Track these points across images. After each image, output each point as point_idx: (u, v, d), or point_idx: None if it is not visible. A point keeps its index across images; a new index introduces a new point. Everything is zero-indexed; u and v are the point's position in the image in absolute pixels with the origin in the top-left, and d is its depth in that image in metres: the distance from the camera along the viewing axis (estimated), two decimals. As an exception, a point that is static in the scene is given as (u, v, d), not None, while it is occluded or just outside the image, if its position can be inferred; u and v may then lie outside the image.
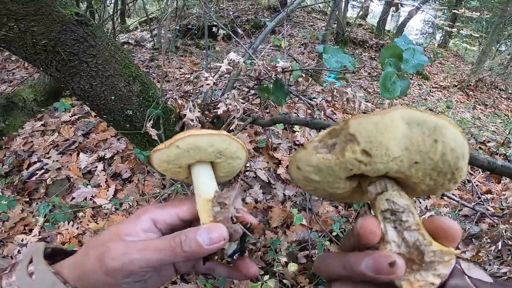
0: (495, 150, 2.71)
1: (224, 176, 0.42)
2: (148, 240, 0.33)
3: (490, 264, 1.39)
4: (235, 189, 0.37)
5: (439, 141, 0.26)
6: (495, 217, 1.50)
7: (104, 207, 1.59)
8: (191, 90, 2.25)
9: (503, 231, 1.32)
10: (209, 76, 1.14)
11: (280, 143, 1.96)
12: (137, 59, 3.36)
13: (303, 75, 1.09)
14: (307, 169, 0.29)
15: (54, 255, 0.35)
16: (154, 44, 3.55)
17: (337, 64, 0.90)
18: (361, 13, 7.15)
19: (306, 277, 1.44)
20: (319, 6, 7.69)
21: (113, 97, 1.34)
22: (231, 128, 1.21)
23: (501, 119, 5.42)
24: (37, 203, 1.62)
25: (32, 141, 2.03)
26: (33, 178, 1.75)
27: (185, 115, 1.29)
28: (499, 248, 1.35)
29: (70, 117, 2.33)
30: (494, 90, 5.71)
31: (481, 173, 2.41)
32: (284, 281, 1.40)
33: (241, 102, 1.22)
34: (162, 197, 1.61)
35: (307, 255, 1.51)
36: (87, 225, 1.50)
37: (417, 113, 0.25)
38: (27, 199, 1.65)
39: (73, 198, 1.65)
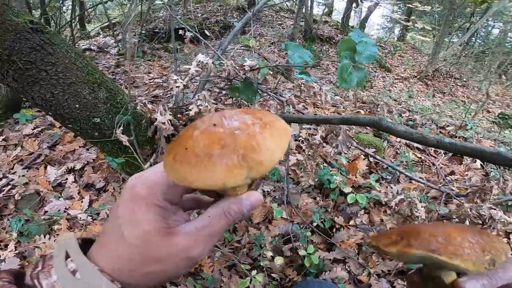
0: (453, 133, 2.94)
1: None
2: (209, 226, 0.33)
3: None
4: None
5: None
6: (461, 197, 1.62)
7: (80, 218, 1.52)
8: (162, 94, 2.21)
9: (468, 210, 1.41)
10: (178, 79, 1.13)
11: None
12: (102, 65, 3.21)
13: (271, 73, 1.12)
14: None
15: (83, 247, 0.34)
16: (119, 49, 3.41)
17: (300, 60, 0.93)
18: (326, 10, 7.39)
19: (293, 269, 1.47)
20: (287, 5, 7.85)
21: (77, 105, 1.29)
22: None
23: (457, 105, 5.87)
24: (8, 219, 1.53)
25: (-6, 157, 1.90)
26: (0, 195, 1.64)
27: (156, 119, 1.27)
28: (468, 227, 1.44)
29: (33, 129, 2.20)
30: (450, 79, 6.18)
31: (444, 155, 2.60)
32: (273, 275, 1.43)
33: (213, 103, 1.23)
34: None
35: (292, 248, 1.55)
36: (64, 237, 1.44)
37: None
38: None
39: (46, 211, 1.57)
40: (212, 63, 1.20)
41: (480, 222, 1.48)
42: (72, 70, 1.20)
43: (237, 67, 1.08)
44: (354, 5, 6.56)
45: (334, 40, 6.45)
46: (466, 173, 2.43)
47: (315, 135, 1.33)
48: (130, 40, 2.83)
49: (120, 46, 3.31)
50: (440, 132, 2.97)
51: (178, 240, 0.31)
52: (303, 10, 6.18)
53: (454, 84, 6.16)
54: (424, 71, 5.92)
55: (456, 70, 6.37)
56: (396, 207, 1.52)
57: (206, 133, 0.28)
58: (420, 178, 2.20)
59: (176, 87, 1.14)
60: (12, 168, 1.83)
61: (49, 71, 1.14)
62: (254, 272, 1.37)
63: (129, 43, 3.17)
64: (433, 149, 2.73)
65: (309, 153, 1.37)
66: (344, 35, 6.63)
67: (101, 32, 4.93)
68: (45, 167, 1.84)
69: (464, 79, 6.27)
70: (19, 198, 1.63)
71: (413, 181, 2.13)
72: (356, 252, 1.59)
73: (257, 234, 1.53)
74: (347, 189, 1.72)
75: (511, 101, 6.43)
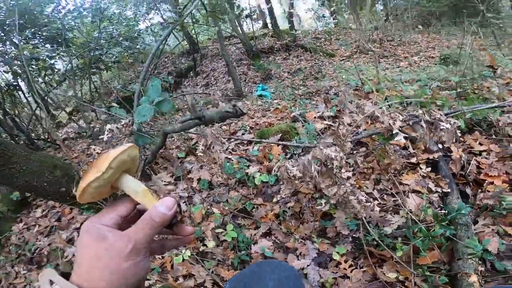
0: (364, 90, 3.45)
1: (134, 172, 0.52)
2: (134, 226, 0.44)
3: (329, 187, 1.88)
4: (153, 178, 0.74)
5: None
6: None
7: None
8: None
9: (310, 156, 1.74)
10: (95, 147, 1.74)
11: (193, 166, 2.58)
12: (77, 151, 3.76)
13: (147, 120, 1.71)
14: None
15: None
16: (85, 132, 3.97)
17: (144, 116, 1.45)
18: (260, 26, 8.11)
19: (230, 249, 1.84)
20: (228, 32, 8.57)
21: (45, 184, 1.90)
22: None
23: (403, 62, 6.33)
24: (45, 267, 2.21)
25: (23, 235, 2.62)
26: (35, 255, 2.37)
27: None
28: (320, 172, 1.74)
29: (42, 212, 2.90)
30: (385, 44, 6.69)
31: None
32: (218, 258, 1.81)
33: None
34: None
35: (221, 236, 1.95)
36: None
37: None
38: (36, 266, 2.27)
39: (66, 256, 2.23)
40: (116, 127, 1.80)
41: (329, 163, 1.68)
42: (30, 163, 1.82)
43: (123, 126, 1.67)
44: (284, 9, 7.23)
45: (275, 49, 7.12)
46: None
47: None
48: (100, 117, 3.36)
49: (86, 128, 3.89)
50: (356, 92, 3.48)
51: (107, 239, 0.42)
52: (236, 34, 6.90)
53: (391, 46, 6.67)
54: (359, 45, 6.47)
55: (387, 34, 6.88)
56: (277, 173, 1.88)
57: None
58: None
59: (96, 153, 1.74)
60: (37, 239, 2.54)
61: (16, 167, 1.76)
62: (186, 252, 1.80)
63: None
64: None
65: (204, 157, 1.84)
66: (281, 40, 7.31)
67: (73, 117, 5.61)
68: (58, 232, 2.53)
69: (398, 39, 6.78)
70: (47, 253, 2.33)
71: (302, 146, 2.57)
72: (278, 223, 1.90)
73: (197, 230, 2.05)
74: (257, 175, 2.23)
75: (448, 42, 6.87)
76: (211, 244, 1.91)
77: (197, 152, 2.72)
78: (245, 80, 6.43)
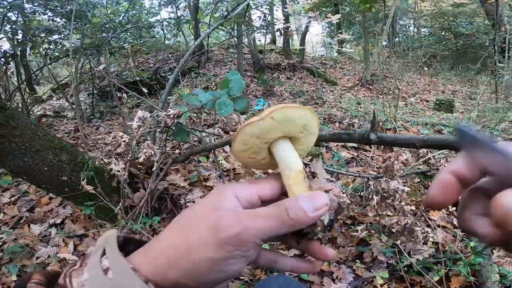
0: (385, 127, 3.46)
1: (300, 153, 0.39)
2: (255, 210, 0.32)
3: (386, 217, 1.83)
4: (319, 161, 0.48)
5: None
6: (377, 179, 1.98)
7: (69, 259, 1.75)
8: (124, 151, 2.48)
9: (373, 187, 1.73)
10: (123, 135, 1.45)
11: (210, 173, 2.31)
12: (61, 132, 3.33)
13: (195, 115, 1.47)
14: None
15: (124, 246, 0.32)
16: (75, 113, 3.57)
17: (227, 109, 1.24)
18: (268, 40, 8.16)
19: (260, 270, 1.71)
20: (231, 42, 8.51)
21: (46, 168, 1.55)
22: (152, 170, 1.52)
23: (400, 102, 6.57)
24: (5, 267, 1.73)
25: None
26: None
27: (112, 169, 1.56)
28: (377, 202, 1.68)
29: (10, 198, 2.41)
30: (387, 80, 6.98)
31: (375, 148, 3.04)
32: (244, 278, 1.65)
33: (156, 148, 1.55)
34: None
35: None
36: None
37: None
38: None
39: (38, 257, 1.77)
40: (150, 116, 1.54)
41: (388, 195, 1.65)
42: (35, 140, 1.47)
43: (168, 116, 1.42)
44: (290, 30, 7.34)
45: (281, 67, 7.12)
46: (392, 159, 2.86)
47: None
48: (85, 101, 3.05)
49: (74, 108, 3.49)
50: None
51: (219, 210, 0.30)
52: (247, 44, 6.86)
53: (392, 83, 6.95)
54: (363, 77, 6.66)
55: (389, 70, 7.19)
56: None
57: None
58: (358, 171, 2.60)
59: (123, 141, 1.45)
60: (-1, 231, 2.06)
61: (17, 142, 1.40)
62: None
63: (83, 104, 3.38)
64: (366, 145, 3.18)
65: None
66: (289, 59, 7.35)
67: (53, 94, 5.04)
68: (29, 226, 2.08)
69: (399, 77, 7.08)
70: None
71: (350, 176, 2.50)
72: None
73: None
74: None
75: (443, 87, 7.33)
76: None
77: (215, 159, 2.48)
78: (246, 92, 6.30)
